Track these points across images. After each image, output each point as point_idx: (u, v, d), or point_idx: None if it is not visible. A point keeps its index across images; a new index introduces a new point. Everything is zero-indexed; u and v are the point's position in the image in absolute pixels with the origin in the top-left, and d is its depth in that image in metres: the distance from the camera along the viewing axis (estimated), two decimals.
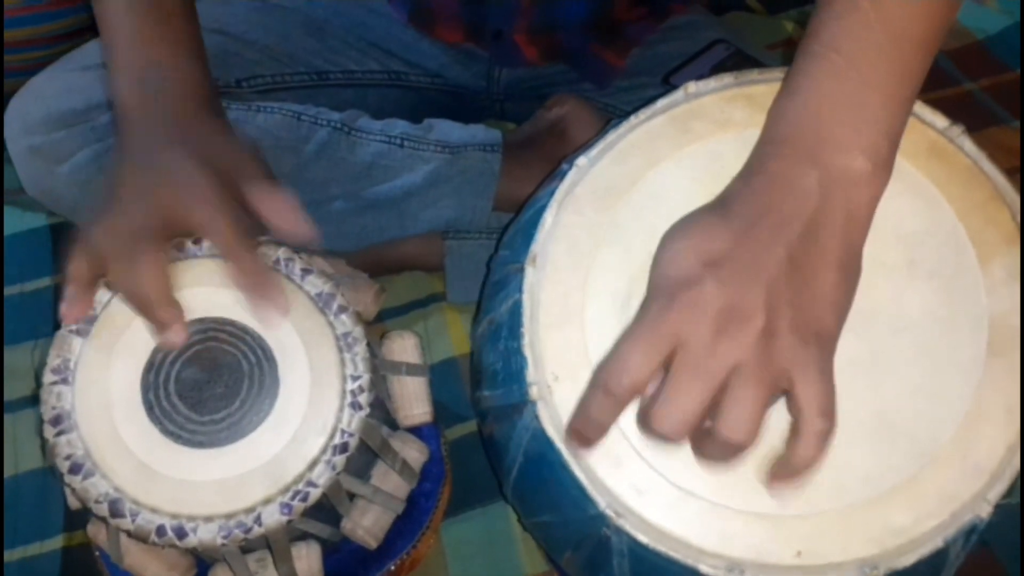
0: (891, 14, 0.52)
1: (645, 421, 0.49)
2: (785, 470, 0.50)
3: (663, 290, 0.51)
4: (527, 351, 0.55)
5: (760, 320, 0.48)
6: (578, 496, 0.53)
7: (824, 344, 0.50)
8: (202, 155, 0.62)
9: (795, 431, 0.49)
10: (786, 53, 1.20)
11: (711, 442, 0.49)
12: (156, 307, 0.58)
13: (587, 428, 0.52)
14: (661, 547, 0.51)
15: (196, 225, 0.60)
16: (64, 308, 0.60)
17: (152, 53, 0.68)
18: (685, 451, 0.52)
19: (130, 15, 0.69)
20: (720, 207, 0.54)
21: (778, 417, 0.50)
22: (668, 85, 0.94)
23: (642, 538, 0.51)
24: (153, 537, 0.56)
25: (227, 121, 0.69)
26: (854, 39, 0.53)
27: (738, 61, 0.96)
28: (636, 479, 0.53)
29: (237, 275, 0.59)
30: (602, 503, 0.52)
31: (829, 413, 0.48)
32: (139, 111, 0.66)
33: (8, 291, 1.02)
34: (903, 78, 0.53)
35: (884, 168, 0.53)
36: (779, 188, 0.52)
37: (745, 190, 0.53)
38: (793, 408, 0.49)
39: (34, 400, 0.88)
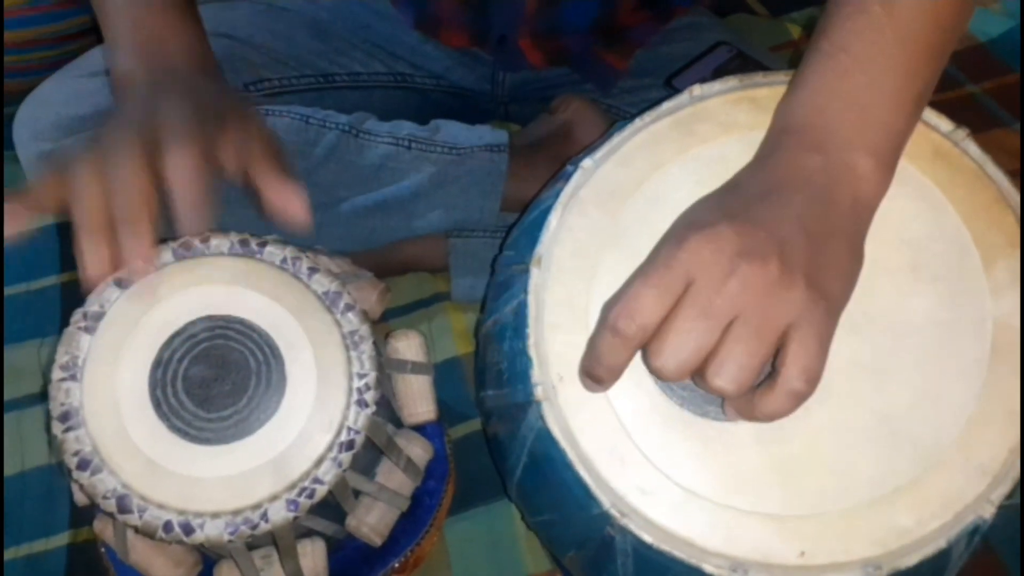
0: (901, 17, 0.53)
1: (644, 355, 0.50)
2: (743, 408, 0.50)
3: (677, 230, 0.51)
4: (532, 352, 0.56)
5: (775, 267, 0.48)
6: (582, 495, 0.53)
7: (832, 309, 0.50)
8: (205, 97, 0.62)
9: (771, 381, 0.48)
10: (790, 55, 1.20)
11: (700, 381, 0.49)
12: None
13: (598, 369, 0.51)
14: (665, 547, 0.51)
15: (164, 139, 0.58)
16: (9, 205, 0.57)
17: (158, 28, 0.68)
18: (690, 451, 0.53)
19: None
20: (731, 185, 0.55)
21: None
22: (671, 87, 0.95)
23: (646, 538, 0.51)
24: (160, 533, 0.56)
25: (228, 84, 0.70)
26: (863, 40, 0.54)
27: (741, 63, 0.96)
28: (640, 479, 0.53)
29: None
30: (606, 502, 0.52)
31: (813, 379, 0.48)
32: (144, 81, 0.65)
33: (14, 289, 1.02)
34: (910, 79, 0.54)
35: (887, 167, 0.54)
36: (788, 168, 0.53)
37: (755, 171, 0.55)
38: (780, 361, 0.48)
39: (41, 397, 0.89)
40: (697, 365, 0.48)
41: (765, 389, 0.48)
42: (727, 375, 0.47)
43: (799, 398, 0.48)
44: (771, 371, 0.49)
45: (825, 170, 0.52)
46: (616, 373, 0.51)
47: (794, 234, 0.49)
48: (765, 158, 0.55)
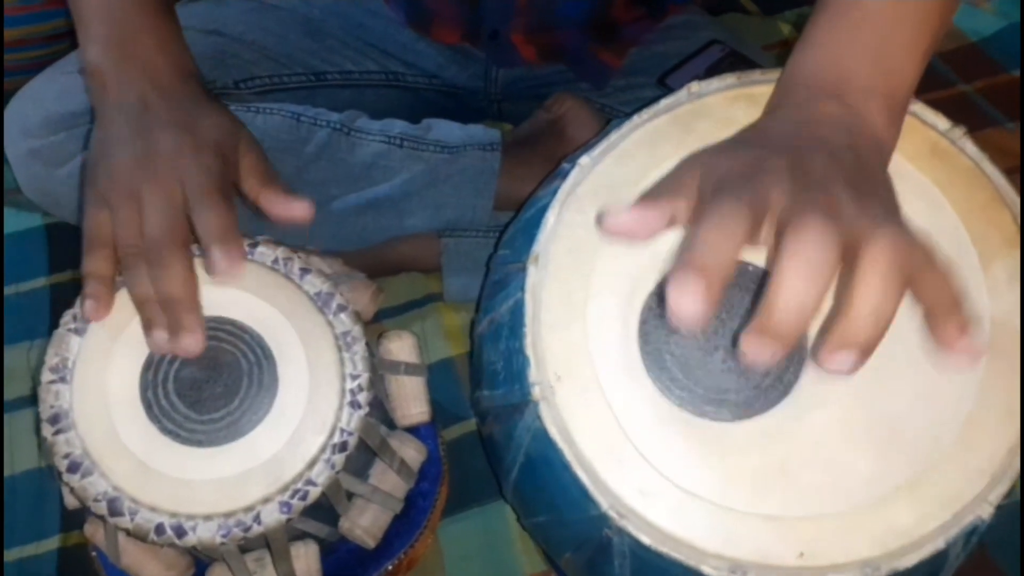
0: None
1: (793, 223, 0.42)
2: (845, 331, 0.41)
3: (728, 182, 0.46)
4: (529, 351, 0.55)
5: (839, 172, 0.45)
6: (579, 497, 0.53)
7: (893, 218, 0.46)
8: (203, 135, 0.62)
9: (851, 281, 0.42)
10: (781, 54, 1.20)
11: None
12: (185, 309, 0.58)
13: (705, 261, 0.41)
14: (664, 548, 0.51)
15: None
16: (90, 308, 0.59)
17: (130, 20, 0.67)
18: (689, 452, 0.53)
19: None
20: (752, 131, 0.54)
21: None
22: (663, 86, 0.95)
23: (645, 539, 0.51)
24: (152, 536, 0.56)
25: (210, 92, 0.69)
26: None
27: (733, 62, 0.96)
28: (639, 480, 0.53)
29: (202, 224, 0.59)
30: (604, 504, 0.52)
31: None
32: (118, 82, 0.65)
33: (4, 291, 1.01)
34: (922, 31, 0.54)
35: (898, 118, 0.53)
36: (807, 116, 0.52)
37: (774, 120, 0.53)
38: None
39: (31, 400, 0.88)
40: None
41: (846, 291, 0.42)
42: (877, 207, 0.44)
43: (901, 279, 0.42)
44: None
45: (845, 116, 0.51)
46: (727, 268, 0.42)
47: (832, 160, 0.47)
48: (777, 108, 0.54)
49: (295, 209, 0.62)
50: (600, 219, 0.49)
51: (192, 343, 0.58)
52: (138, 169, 0.60)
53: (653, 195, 0.48)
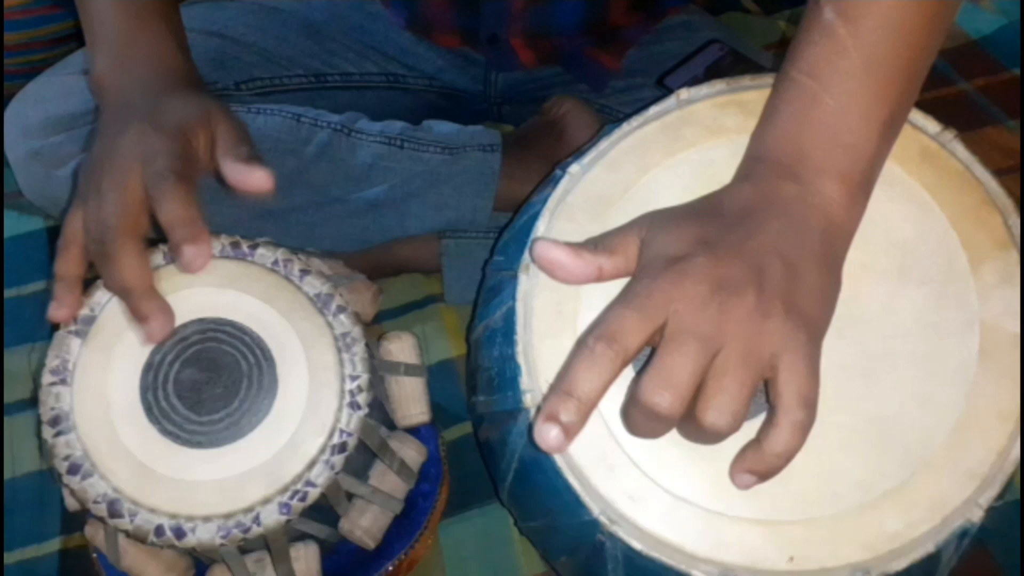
0: (867, 40, 0.53)
1: (634, 395, 0.47)
2: (755, 460, 0.48)
3: (655, 264, 0.50)
4: (521, 359, 0.56)
5: (752, 295, 0.47)
6: (572, 502, 0.53)
7: (813, 334, 0.49)
8: (165, 121, 0.62)
9: (771, 419, 0.47)
10: (781, 53, 1.20)
11: (693, 426, 0.47)
12: (137, 298, 0.58)
13: (567, 403, 0.47)
14: (655, 553, 0.51)
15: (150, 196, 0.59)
16: (53, 308, 0.59)
17: (129, 31, 0.68)
18: (679, 457, 0.53)
19: None
20: (708, 202, 0.54)
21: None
22: (663, 86, 0.95)
23: (636, 544, 0.51)
24: (152, 537, 0.56)
25: (205, 88, 0.69)
26: (829, 65, 0.53)
27: (733, 61, 0.96)
28: (629, 485, 0.53)
29: (161, 215, 0.58)
30: (595, 510, 0.52)
31: (811, 404, 0.47)
32: (114, 89, 0.66)
33: (5, 294, 1.02)
34: (880, 103, 0.53)
35: (859, 192, 0.53)
36: (764, 195, 0.53)
37: (732, 193, 0.54)
38: (774, 394, 0.47)
39: (32, 403, 0.89)
40: (689, 393, 0.47)
41: (766, 428, 0.48)
42: (719, 407, 0.46)
43: (803, 428, 0.47)
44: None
45: (800, 197, 0.52)
46: (588, 405, 0.47)
47: (771, 262, 0.49)
48: (742, 181, 0.55)
49: (253, 177, 0.59)
50: (532, 245, 0.53)
51: (156, 328, 0.58)
52: (104, 162, 0.60)
53: (593, 243, 0.53)
